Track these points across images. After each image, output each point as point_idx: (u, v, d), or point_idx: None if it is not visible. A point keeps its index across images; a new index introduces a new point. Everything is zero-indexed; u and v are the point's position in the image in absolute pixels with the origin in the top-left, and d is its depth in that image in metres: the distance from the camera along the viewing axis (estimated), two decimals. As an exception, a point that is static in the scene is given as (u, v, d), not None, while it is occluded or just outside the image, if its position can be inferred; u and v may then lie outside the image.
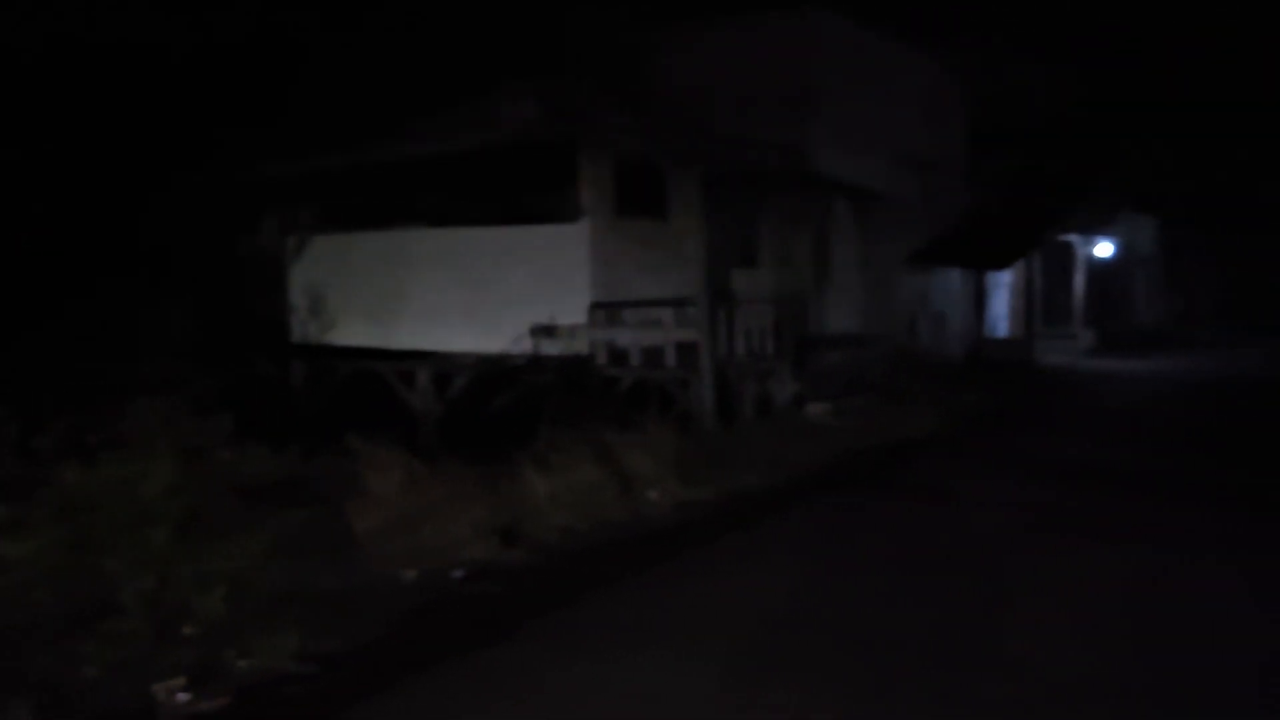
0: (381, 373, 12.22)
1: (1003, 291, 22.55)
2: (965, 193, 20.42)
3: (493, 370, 11.58)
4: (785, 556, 6.98)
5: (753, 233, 14.80)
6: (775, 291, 14.17)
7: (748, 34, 15.18)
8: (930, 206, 18.91)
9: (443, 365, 11.94)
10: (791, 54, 15.00)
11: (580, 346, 11.61)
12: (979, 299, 20.30)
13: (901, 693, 4.69)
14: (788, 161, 14.03)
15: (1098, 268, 25.56)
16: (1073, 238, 23.62)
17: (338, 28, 13.99)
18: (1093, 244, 24.53)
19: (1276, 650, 5.23)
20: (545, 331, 11.72)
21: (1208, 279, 36.78)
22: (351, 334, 13.40)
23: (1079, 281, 24.19)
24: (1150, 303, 30.66)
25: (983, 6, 20.24)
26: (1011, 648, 5.27)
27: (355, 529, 6.73)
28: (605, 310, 11.69)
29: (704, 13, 15.67)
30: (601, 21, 15.82)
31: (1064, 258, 24.21)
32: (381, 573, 6.27)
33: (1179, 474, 9.75)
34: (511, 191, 12.65)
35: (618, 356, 11.74)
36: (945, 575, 6.52)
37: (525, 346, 11.69)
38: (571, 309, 11.64)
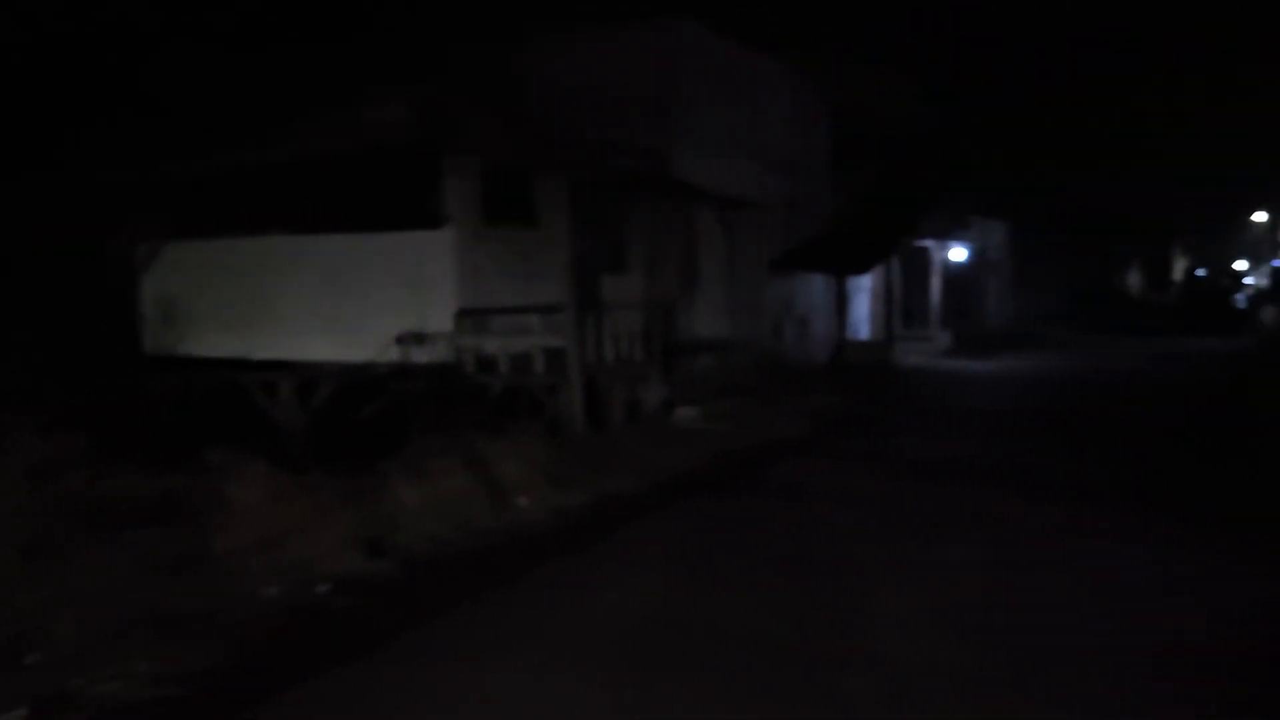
0: (244, 384, 11.88)
1: (864, 295, 23.28)
2: (829, 200, 20.98)
3: (360, 379, 11.39)
4: (656, 559, 7.08)
5: (622, 239, 14.92)
6: (645, 297, 14.30)
7: (614, 43, 15.30)
8: (795, 213, 19.36)
9: (307, 375, 11.68)
10: (656, 63, 15.18)
11: (448, 354, 11.52)
12: (841, 303, 20.91)
13: (769, 689, 4.82)
14: (654, 168, 14.19)
15: (953, 271, 26.66)
16: (929, 243, 24.57)
17: (197, 30, 13.52)
18: (948, 248, 25.57)
19: (1118, 633, 5.55)
20: (413, 339, 11.58)
21: (1054, 281, 38.78)
22: (211, 345, 12.95)
23: (935, 285, 25.18)
24: (1002, 304, 32.14)
25: (838, 21, 20.84)
26: (872, 639, 5.47)
27: (216, 546, 6.54)
28: (472, 317, 11.62)
29: (570, 22, 15.73)
30: (470, 30, 15.71)
31: (921, 262, 25.17)
32: (243, 590, 6.10)
33: (1028, 468, 10.26)
34: (378, 198, 12.43)
35: (486, 364, 11.68)
36: (811, 571, 6.71)
37: (393, 355, 11.53)
38: (439, 316, 11.53)
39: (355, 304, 11.99)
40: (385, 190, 12.24)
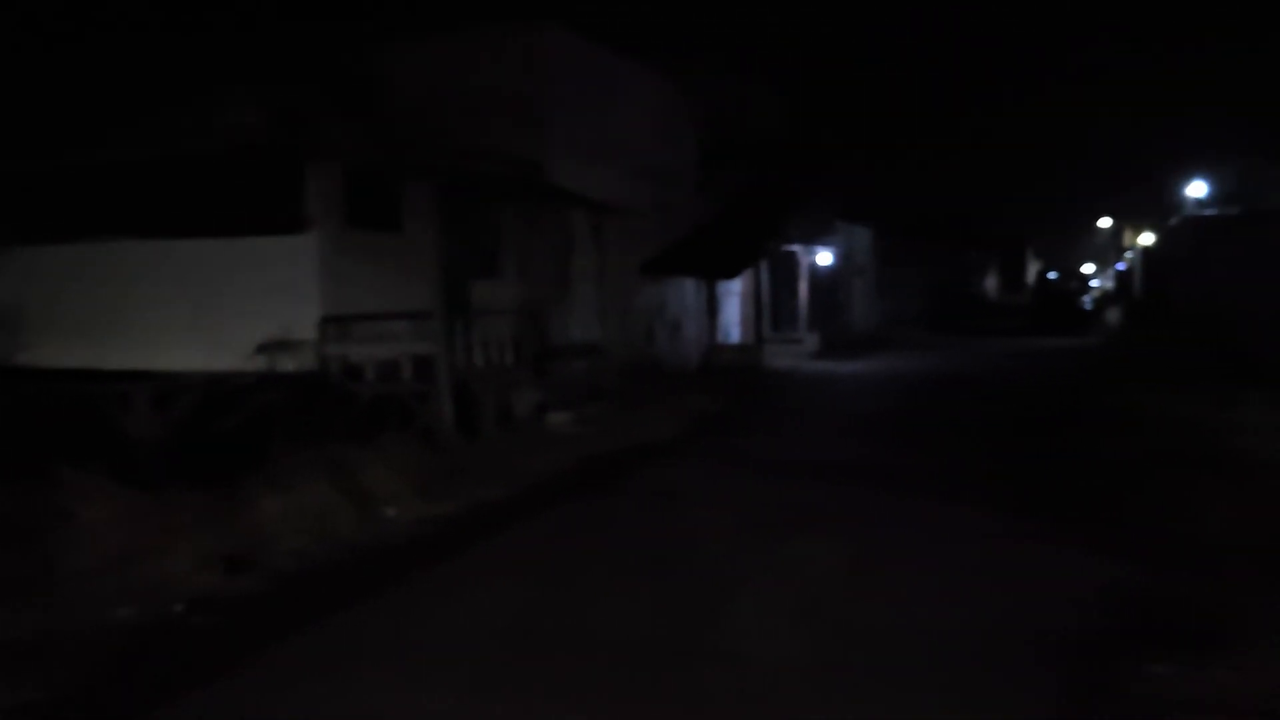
0: (93, 396, 11.35)
1: (734, 299, 23.68)
2: (698, 205, 21.30)
3: (220, 389, 11.03)
4: (524, 566, 7.08)
5: (493, 244, 14.85)
6: (516, 302, 14.28)
7: (480, 47, 15.23)
8: (665, 218, 19.60)
9: (164, 386, 11.24)
10: (524, 67, 15.17)
11: (313, 362, 11.27)
12: (712, 307, 21.24)
13: (633, 691, 4.88)
14: (522, 173, 14.17)
15: (820, 275, 27.35)
16: (796, 247, 25.16)
17: (34, 23, 12.89)
18: (815, 253, 26.23)
19: (969, 621, 5.79)
20: (277, 347, 11.30)
21: (917, 284, 40.20)
22: (57, 355, 12.35)
23: (803, 289, 25.80)
24: (868, 307, 33.12)
25: (704, 29, 21.19)
26: (734, 638, 5.59)
27: (61, 567, 6.26)
28: (338, 324, 11.41)
29: (436, 25, 15.57)
30: (333, 32, 15.38)
31: (790, 266, 25.76)
32: (92, 613, 5.86)
33: (889, 466, 10.62)
34: (238, 201, 12.07)
35: (353, 371, 11.48)
36: (677, 573, 6.81)
37: (257, 363, 11.22)
38: (304, 323, 11.29)
39: (216, 311, 11.64)
40: (245, 194, 11.91)
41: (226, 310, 11.55)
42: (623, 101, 18.07)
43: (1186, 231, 27.53)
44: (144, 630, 5.72)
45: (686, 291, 20.80)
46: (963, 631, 5.66)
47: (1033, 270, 68.09)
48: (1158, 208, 40.59)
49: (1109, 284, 63.14)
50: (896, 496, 9.06)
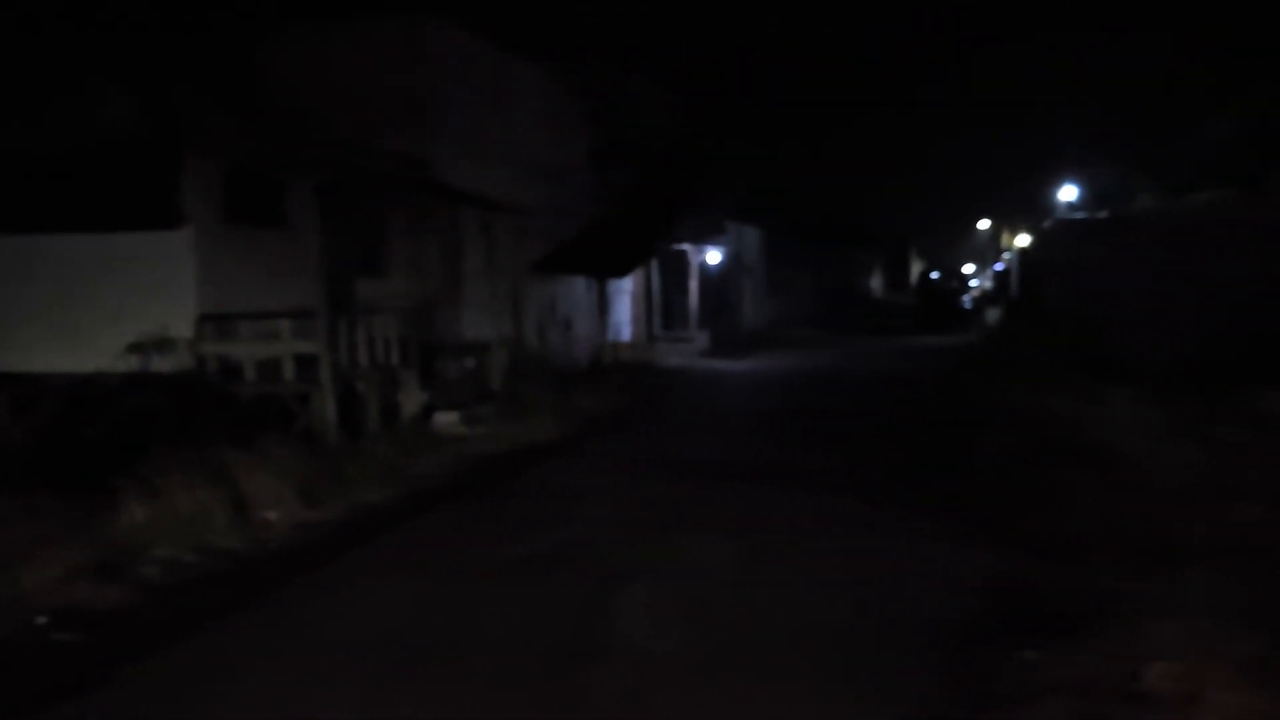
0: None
1: (625, 298, 23.75)
2: (589, 204, 21.31)
3: (91, 391, 10.56)
4: (411, 569, 6.97)
5: (379, 242, 14.57)
6: (404, 301, 14.04)
7: (362, 41, 14.94)
8: (556, 217, 19.55)
9: (26, 388, 10.71)
10: (411, 64, 14.94)
11: (190, 362, 10.90)
12: (602, 305, 21.27)
13: (521, 691, 4.86)
14: (408, 170, 13.96)
15: (711, 274, 27.64)
16: (687, 246, 25.37)
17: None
18: (705, 252, 26.49)
19: (855, 614, 5.93)
20: (152, 347, 10.88)
21: (803, 285, 40.96)
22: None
23: (694, 288, 26.02)
24: (757, 306, 33.60)
25: (595, 28, 21.23)
26: (625, 636, 5.61)
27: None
28: (217, 322, 11.05)
29: (322, 19, 15.21)
30: (215, 25, 14.88)
31: (680, 265, 25.96)
32: (-57, 629, 5.55)
33: (776, 463, 10.80)
34: (112, 197, 11.58)
35: (233, 371, 11.13)
36: (567, 573, 6.80)
37: (129, 363, 10.78)
38: (181, 322, 10.91)
39: (88, 310, 11.13)
40: (120, 189, 11.43)
41: (100, 309, 11.07)
42: (512, 100, 17.95)
43: (1058, 234, 28.66)
44: (3, 645, 5.44)
45: (577, 290, 20.78)
46: (847, 623, 5.79)
47: (916, 270, 70.04)
48: (1033, 210, 42.15)
49: (988, 284, 65.36)
50: (785, 493, 9.21)
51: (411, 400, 12.56)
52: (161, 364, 10.79)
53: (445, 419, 12.41)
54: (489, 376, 14.52)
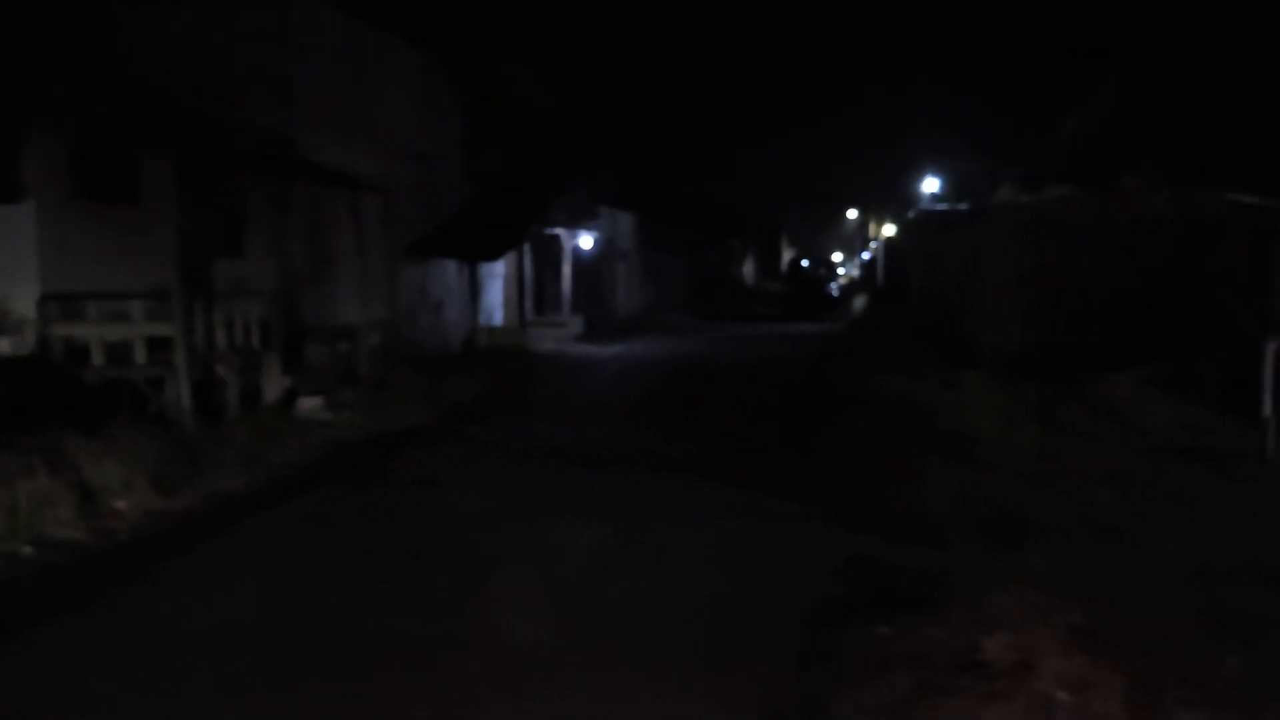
0: None
1: (498, 282, 23.55)
2: (461, 187, 21.04)
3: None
4: (270, 559, 6.78)
5: (241, 221, 14.08)
6: (267, 283, 13.61)
7: (225, 14, 14.40)
8: (428, 199, 19.25)
9: None
10: (275, 39, 14.47)
11: (32, 343, 10.35)
12: (474, 289, 21.04)
13: (392, 682, 4.78)
14: (273, 148, 13.53)
15: (585, 259, 27.62)
16: (560, 231, 25.28)
17: None
18: (578, 237, 26.44)
19: (717, 599, 6.02)
20: (-11, 328, 10.29)
21: (677, 272, 41.32)
22: None
23: (567, 272, 25.96)
24: (631, 292, 33.75)
25: (464, 6, 20.94)
26: (494, 622, 5.58)
27: None
28: (62, 303, 10.53)
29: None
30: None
31: (553, 250, 25.87)
32: None
33: (647, 448, 10.88)
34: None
35: (80, 354, 10.62)
36: (435, 560, 6.72)
37: (-39, 346, 10.18)
38: (22, 301, 10.35)
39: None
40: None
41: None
42: (383, 80, 17.59)
43: (921, 224, 29.69)
44: None
45: (449, 274, 20.51)
46: (710, 605, 5.90)
47: (788, 258, 71.46)
48: (900, 201, 43.51)
49: (856, 272, 67.22)
50: (653, 478, 9.30)
51: (274, 385, 12.20)
52: (0, 345, 10.23)
53: (310, 404, 12.09)
54: (356, 361, 14.21)
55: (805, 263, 60.89)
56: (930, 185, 38.31)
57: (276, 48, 14.44)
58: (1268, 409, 9.35)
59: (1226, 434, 10.17)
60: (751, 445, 11.04)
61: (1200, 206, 15.34)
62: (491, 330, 21.66)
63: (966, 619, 4.88)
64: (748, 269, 64.29)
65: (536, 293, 25.86)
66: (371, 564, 6.66)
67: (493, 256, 21.21)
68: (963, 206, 27.55)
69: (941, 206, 32.48)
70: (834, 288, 49.67)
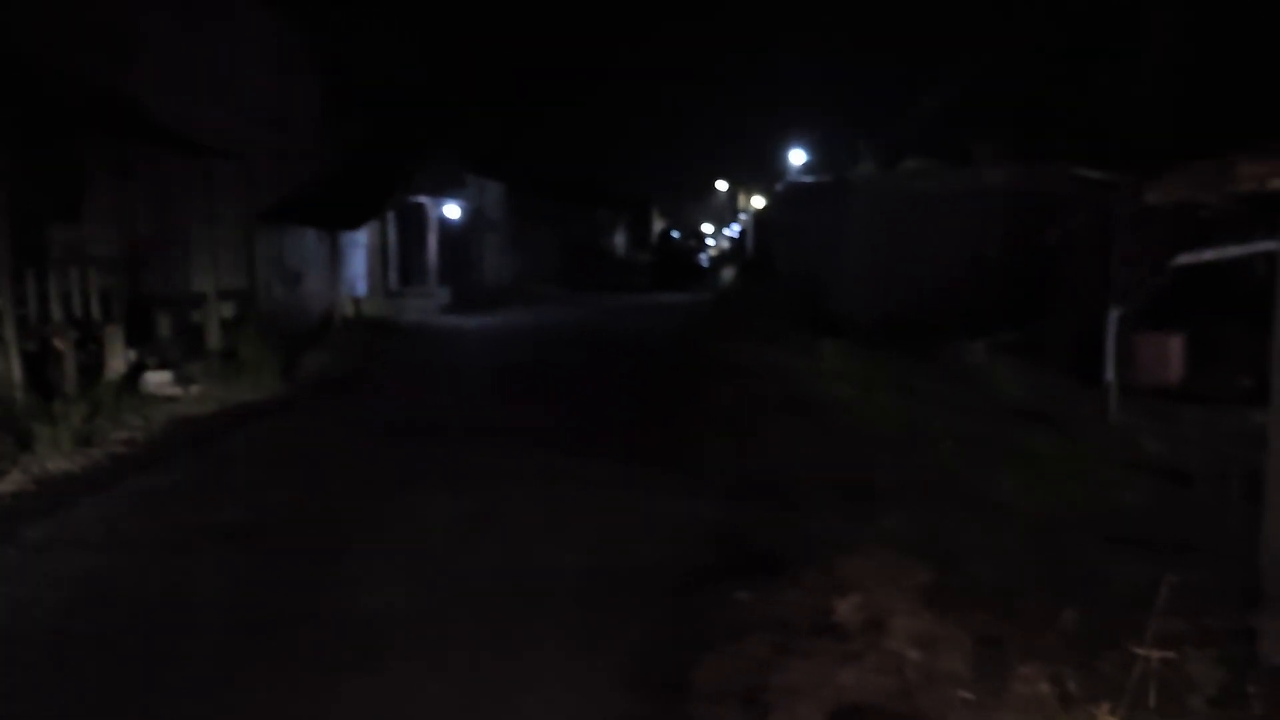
0: None
1: (360, 251, 22.89)
2: (323, 153, 20.32)
3: None
4: (104, 542, 6.38)
5: (79, 184, 13.21)
6: (109, 250, 12.84)
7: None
8: (285, 165, 18.52)
9: None
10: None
11: None
12: (335, 259, 20.38)
13: (242, 661, 4.58)
14: (114, 107, 12.76)
15: (452, 229, 27.09)
16: (426, 200, 24.73)
17: None
18: (445, 206, 25.92)
19: (580, 570, 5.95)
20: None
21: (547, 242, 41.00)
22: None
23: (433, 242, 25.44)
24: (500, 262, 33.32)
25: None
26: (350, 600, 5.40)
27: None
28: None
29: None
30: None
31: (419, 218, 25.29)
32: None
33: (510, 421, 10.71)
34: None
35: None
36: (281, 540, 6.47)
37: None
38: None
39: None
40: None
41: None
42: (236, 40, 16.79)
43: (788, 196, 30.13)
44: None
45: (309, 242, 19.80)
46: (574, 578, 5.83)
47: (659, 229, 71.72)
48: (769, 173, 44.05)
49: (726, 244, 67.95)
50: (518, 451, 9.15)
51: (117, 359, 11.57)
52: None
53: (156, 379, 11.51)
54: (208, 333, 13.58)
55: (675, 234, 61.24)
56: (798, 157, 38.85)
57: (119, 1, 13.60)
58: (1110, 373, 9.81)
59: (1070, 397, 10.64)
60: (616, 415, 10.99)
61: (1047, 179, 15.97)
62: (355, 301, 21.03)
63: (822, 581, 4.94)
64: (619, 240, 64.27)
65: (402, 263, 25.25)
66: (214, 544, 6.36)
67: (354, 225, 20.56)
68: (825, 179, 28.05)
69: (808, 179, 32.97)
70: (704, 259, 50.18)
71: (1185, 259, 10.33)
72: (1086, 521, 5.74)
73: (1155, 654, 2.70)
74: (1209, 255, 10.35)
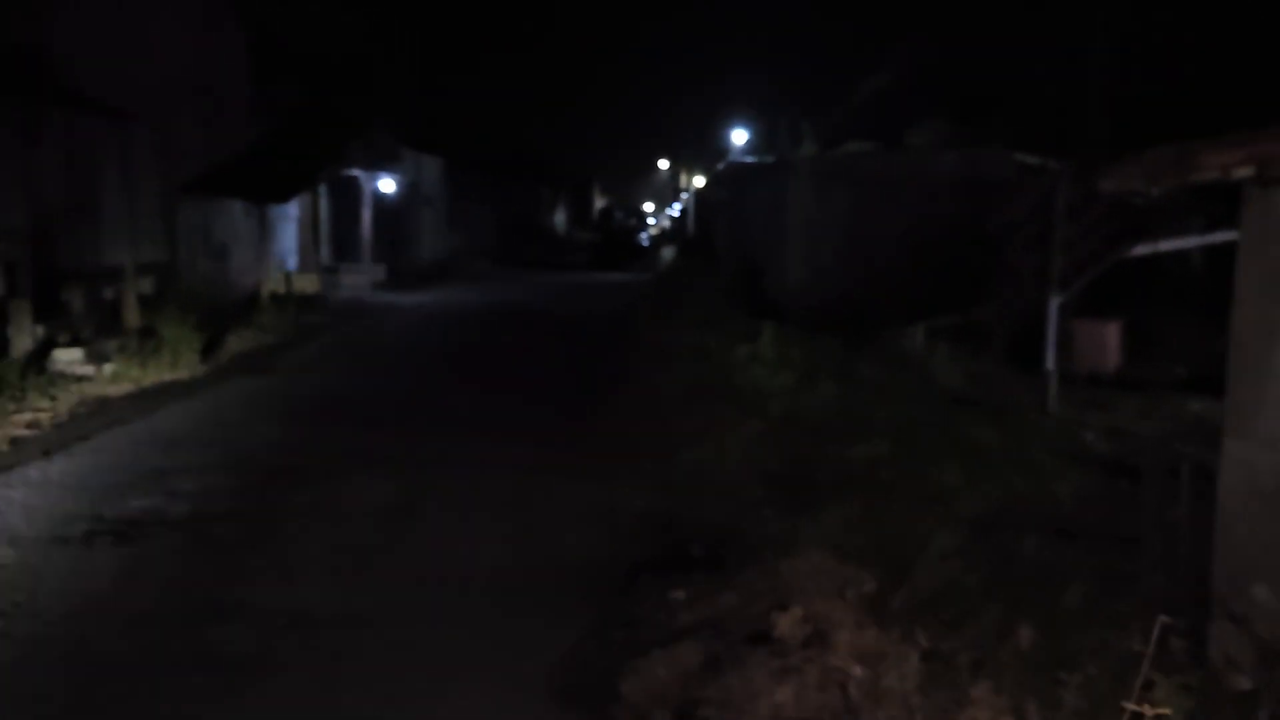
0: None
1: (291, 225, 22.18)
2: (251, 123, 19.58)
3: None
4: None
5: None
6: (14, 221, 12.16)
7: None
8: (210, 135, 17.82)
9: None
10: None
11: None
12: (264, 233, 19.70)
13: (150, 664, 4.22)
14: (17, 66, 12.06)
15: (388, 204, 26.41)
16: (360, 173, 24.05)
17: None
18: (379, 180, 25.25)
19: (510, 564, 5.72)
20: None
21: (486, 219, 40.37)
22: None
23: (367, 217, 24.76)
24: (437, 239, 32.67)
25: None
26: (268, 590, 5.17)
27: None
28: None
29: None
30: None
31: (353, 193, 24.58)
32: None
33: (440, 403, 10.36)
34: None
35: None
36: (187, 534, 6.09)
37: None
38: None
39: None
40: None
41: None
42: (156, 3, 16.05)
43: (729, 176, 29.89)
44: None
45: (235, 216, 19.08)
46: (502, 572, 5.64)
47: (600, 207, 71.22)
48: (710, 152, 43.75)
49: (668, 223, 67.69)
50: (449, 435, 8.84)
51: (24, 335, 10.98)
52: None
53: (66, 357, 10.93)
54: (125, 309, 12.94)
55: (617, 213, 60.82)
56: (740, 137, 38.58)
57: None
58: (1050, 362, 9.72)
59: (1009, 385, 10.55)
60: (550, 401, 10.67)
61: (988, 165, 15.91)
62: (285, 277, 20.34)
63: (760, 584, 4.71)
64: (559, 218, 63.72)
65: (335, 238, 24.55)
66: (118, 536, 5.96)
67: (283, 198, 19.86)
68: (765, 160, 27.85)
69: (749, 159, 32.74)
70: (644, 238, 49.85)
71: (1141, 249, 10.30)
72: (1031, 516, 5.58)
73: (1149, 711, 2.49)
74: (1166, 246, 10.34)
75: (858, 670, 3.44)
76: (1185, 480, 4.19)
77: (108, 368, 10.83)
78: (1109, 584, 4.19)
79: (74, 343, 11.32)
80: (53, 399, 9.35)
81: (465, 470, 7.68)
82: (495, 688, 4.24)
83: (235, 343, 13.25)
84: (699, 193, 46.43)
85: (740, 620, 4.36)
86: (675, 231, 56.25)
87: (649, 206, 77.90)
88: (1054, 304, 9.87)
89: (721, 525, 6.22)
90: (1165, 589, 3.81)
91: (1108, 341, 11.80)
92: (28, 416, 8.76)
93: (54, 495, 6.75)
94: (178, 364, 11.36)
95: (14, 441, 8.04)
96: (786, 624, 3.81)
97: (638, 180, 77.32)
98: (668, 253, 42.36)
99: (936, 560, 4.16)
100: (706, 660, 4.07)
